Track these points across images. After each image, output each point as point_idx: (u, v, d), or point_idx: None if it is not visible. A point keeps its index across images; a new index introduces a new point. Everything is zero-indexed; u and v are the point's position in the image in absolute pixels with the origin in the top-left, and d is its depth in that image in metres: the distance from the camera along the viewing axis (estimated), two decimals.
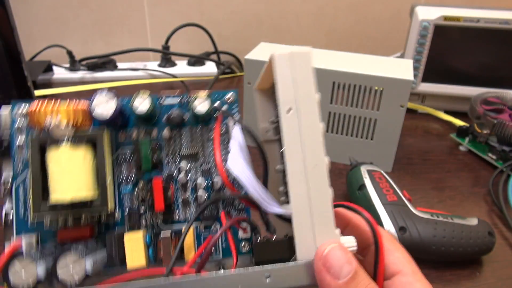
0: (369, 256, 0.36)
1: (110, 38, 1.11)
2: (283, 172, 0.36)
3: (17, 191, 0.33)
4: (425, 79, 0.80)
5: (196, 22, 1.08)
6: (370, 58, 0.70)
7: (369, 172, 0.57)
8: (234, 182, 0.35)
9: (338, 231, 0.29)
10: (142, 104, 0.33)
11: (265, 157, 0.34)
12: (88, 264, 0.28)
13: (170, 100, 0.36)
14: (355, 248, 0.34)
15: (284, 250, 0.31)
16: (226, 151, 0.36)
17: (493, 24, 0.73)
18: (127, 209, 0.34)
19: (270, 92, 0.40)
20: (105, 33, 1.09)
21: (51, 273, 0.27)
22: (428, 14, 0.76)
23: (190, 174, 0.35)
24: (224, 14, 1.14)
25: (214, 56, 1.18)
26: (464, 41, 0.76)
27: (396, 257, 0.30)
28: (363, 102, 0.64)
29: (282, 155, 0.38)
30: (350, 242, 0.34)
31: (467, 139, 0.75)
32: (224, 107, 0.37)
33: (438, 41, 0.77)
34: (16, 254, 0.29)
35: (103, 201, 0.31)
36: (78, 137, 0.31)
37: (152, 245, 0.33)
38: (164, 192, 0.33)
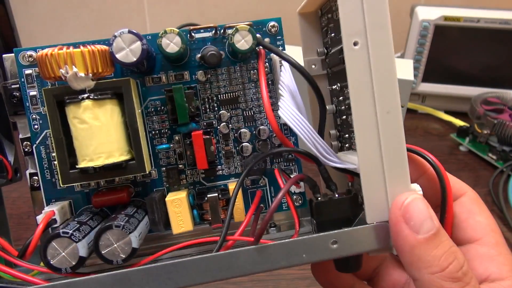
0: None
1: (110, 38, 1.06)
2: (337, 114, 0.31)
3: (39, 152, 0.28)
4: (425, 79, 0.79)
5: (196, 22, 1.02)
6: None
7: None
8: (284, 129, 0.30)
9: (416, 186, 0.24)
10: (171, 43, 0.26)
11: (323, 100, 0.29)
12: (134, 240, 0.23)
13: (202, 35, 0.29)
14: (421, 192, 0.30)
15: (347, 208, 0.27)
16: (272, 94, 0.30)
17: (493, 24, 0.71)
18: (164, 167, 0.29)
19: (315, 16, 0.33)
20: (105, 33, 0.99)
21: (95, 251, 0.23)
22: (428, 14, 0.74)
23: (231, 123, 0.30)
24: (224, 14, 1.08)
25: None
26: (464, 41, 0.75)
27: (477, 222, 0.26)
28: None
29: (333, 94, 0.33)
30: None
31: (467, 139, 0.73)
32: (267, 40, 0.32)
33: (438, 41, 0.75)
34: (50, 225, 0.25)
35: (140, 162, 0.26)
36: (101, 89, 0.25)
37: (196, 205, 0.29)
38: (206, 147, 0.27)
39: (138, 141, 0.26)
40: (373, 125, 0.24)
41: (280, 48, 0.30)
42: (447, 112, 0.82)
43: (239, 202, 0.29)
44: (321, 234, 0.24)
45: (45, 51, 0.24)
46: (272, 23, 0.29)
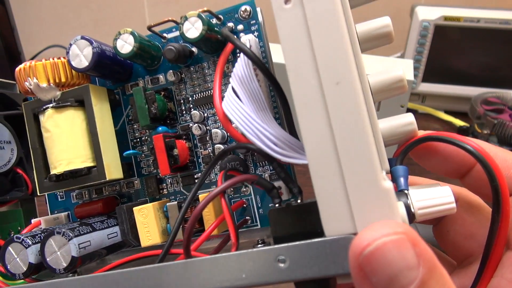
0: (467, 213, 0.23)
1: (110, 38, 1.07)
2: None
3: None
4: (425, 79, 0.77)
5: None
6: (370, 58, 0.64)
7: None
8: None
9: (388, 184, 0.16)
10: (125, 44, 0.24)
11: (280, 90, 0.23)
12: (73, 248, 0.22)
13: (174, 34, 0.26)
14: (452, 206, 0.21)
15: (312, 218, 0.21)
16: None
17: (493, 24, 0.70)
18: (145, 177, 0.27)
19: None
20: (105, 33, 1.00)
21: (42, 258, 0.22)
22: (428, 14, 0.73)
23: (208, 124, 0.26)
24: None
25: None
26: (464, 41, 0.74)
27: None
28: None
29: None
30: (437, 198, 0.21)
31: None
32: (240, 27, 0.28)
33: (438, 41, 0.74)
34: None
35: (99, 168, 0.24)
36: (65, 98, 0.24)
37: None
38: (167, 151, 0.24)
39: (98, 147, 0.24)
40: (318, 102, 0.18)
41: (256, 33, 0.26)
42: (447, 112, 0.79)
43: (210, 212, 0.25)
44: (263, 248, 0.19)
45: (18, 67, 0.27)
46: (243, 8, 0.25)
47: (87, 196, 0.28)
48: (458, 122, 0.76)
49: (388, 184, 0.17)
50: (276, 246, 0.18)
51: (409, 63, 0.62)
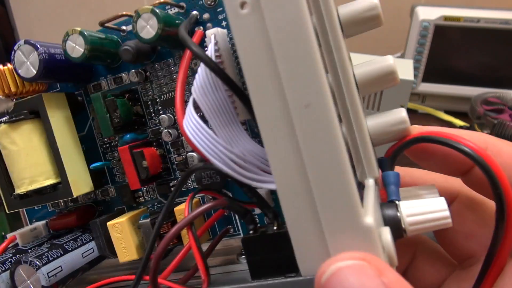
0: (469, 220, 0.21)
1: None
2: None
3: None
4: (426, 79, 0.77)
5: None
6: (370, 58, 0.55)
7: None
8: None
9: (369, 220, 0.15)
10: (76, 46, 0.21)
11: (245, 97, 0.20)
12: (42, 278, 0.20)
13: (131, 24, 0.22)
14: (447, 221, 0.19)
15: (289, 248, 0.19)
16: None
17: (493, 24, 0.71)
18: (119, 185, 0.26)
19: None
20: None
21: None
22: (428, 14, 0.73)
23: (178, 128, 0.24)
24: None
25: None
26: (465, 41, 0.74)
27: None
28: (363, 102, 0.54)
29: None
30: (430, 212, 0.19)
31: None
32: (206, 16, 0.24)
33: (438, 41, 0.74)
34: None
35: (65, 186, 0.22)
36: (18, 110, 0.22)
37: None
38: (136, 163, 0.22)
39: (60, 162, 0.22)
40: (284, 128, 0.15)
41: (224, 23, 0.22)
42: (447, 112, 0.78)
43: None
44: (238, 286, 0.17)
45: None
46: None
47: (63, 204, 0.27)
48: (458, 122, 0.74)
49: (369, 220, 0.15)
50: (250, 284, 0.16)
51: (409, 63, 0.60)
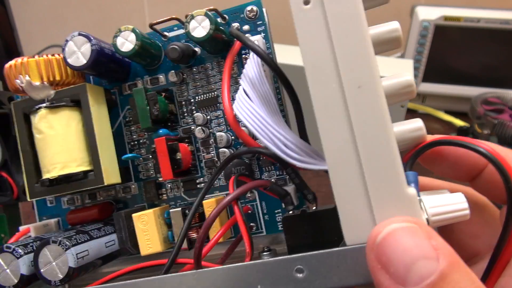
0: (487, 221, 0.23)
1: (110, 38, 1.04)
2: None
3: None
4: (426, 79, 0.77)
5: None
6: (384, 59, 0.64)
7: None
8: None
9: (412, 190, 0.16)
10: (126, 42, 0.23)
11: (293, 92, 0.23)
12: (70, 258, 0.20)
13: (176, 33, 0.25)
14: (466, 212, 0.21)
15: (328, 225, 0.20)
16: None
17: (493, 24, 0.70)
18: (143, 181, 0.26)
19: None
20: (105, 33, 1.04)
21: (35, 270, 0.21)
22: (429, 14, 0.73)
23: (211, 127, 0.25)
24: None
25: None
26: (464, 41, 0.73)
27: None
28: None
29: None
30: (450, 204, 0.21)
31: None
32: (246, 27, 0.27)
33: (438, 41, 0.74)
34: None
35: (97, 173, 0.23)
36: (60, 98, 0.23)
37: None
38: (171, 155, 0.23)
39: (96, 150, 0.23)
40: (339, 106, 0.17)
41: (262, 34, 0.25)
42: (447, 112, 0.79)
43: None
44: (280, 257, 0.18)
45: (8, 64, 0.25)
46: (249, 8, 0.24)
47: (79, 201, 0.27)
48: (458, 122, 0.75)
49: (412, 191, 0.17)
50: (294, 255, 0.17)
51: (409, 63, 0.62)
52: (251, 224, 0.24)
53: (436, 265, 0.14)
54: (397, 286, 0.14)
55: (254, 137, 0.21)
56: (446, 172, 0.23)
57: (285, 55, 0.41)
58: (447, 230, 0.23)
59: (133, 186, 0.26)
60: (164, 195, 0.26)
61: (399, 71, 0.62)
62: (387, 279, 0.14)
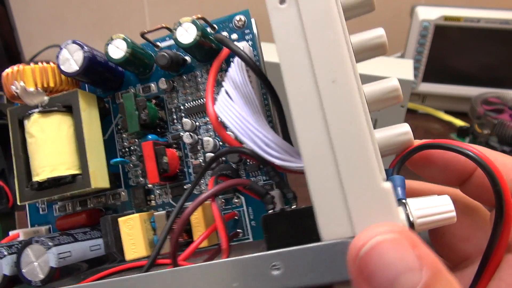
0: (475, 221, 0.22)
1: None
2: None
3: None
4: (426, 79, 0.77)
5: None
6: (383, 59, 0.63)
7: None
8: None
9: (387, 185, 0.16)
10: (118, 49, 0.23)
11: (273, 92, 0.23)
12: (52, 258, 0.20)
13: (168, 43, 0.26)
14: (452, 214, 0.21)
15: (308, 224, 0.20)
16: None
17: (493, 24, 0.70)
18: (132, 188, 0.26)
19: None
20: (105, 33, 0.99)
21: (17, 270, 0.21)
22: (429, 14, 0.73)
23: (199, 133, 0.25)
24: (225, 14, 1.03)
25: None
26: (465, 41, 0.74)
27: None
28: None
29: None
30: (436, 206, 0.20)
31: (467, 139, 0.70)
32: (234, 36, 0.28)
33: (438, 41, 0.74)
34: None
35: (85, 175, 0.23)
36: (50, 103, 0.24)
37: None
38: (157, 158, 0.23)
39: (84, 153, 0.23)
40: (313, 101, 0.17)
41: (249, 42, 0.26)
42: (447, 112, 0.79)
43: (199, 223, 0.24)
44: (256, 254, 0.18)
45: (5, 72, 0.26)
46: (237, 17, 0.25)
47: (70, 208, 0.27)
48: (458, 122, 0.75)
49: (387, 185, 0.16)
50: (271, 252, 0.17)
51: (409, 63, 0.62)
52: (238, 230, 0.24)
53: (419, 277, 0.14)
54: None
55: (239, 141, 0.21)
56: (436, 176, 0.22)
57: (274, 53, 0.41)
58: (438, 234, 0.22)
59: (122, 193, 0.26)
60: (152, 201, 0.26)
61: (399, 71, 0.60)
62: None
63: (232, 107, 0.19)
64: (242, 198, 0.24)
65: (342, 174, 0.16)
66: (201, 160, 0.25)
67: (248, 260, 0.17)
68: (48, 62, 0.24)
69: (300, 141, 0.17)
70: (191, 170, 0.25)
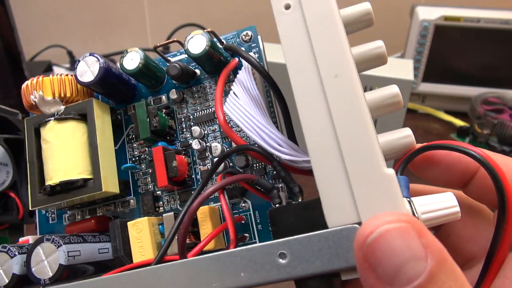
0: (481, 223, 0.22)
1: (110, 38, 1.01)
2: None
3: None
4: (425, 79, 0.78)
5: (196, 22, 0.94)
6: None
7: None
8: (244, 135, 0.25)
9: (390, 171, 0.16)
10: (131, 60, 0.25)
11: (279, 93, 0.24)
12: (61, 256, 0.21)
13: (179, 57, 0.27)
14: (456, 209, 0.21)
15: (314, 216, 0.20)
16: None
17: (493, 24, 0.70)
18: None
19: None
20: (105, 33, 0.99)
21: (27, 269, 0.21)
22: (429, 14, 0.73)
23: (208, 140, 0.26)
24: (224, 14, 1.00)
25: None
26: (464, 41, 0.74)
27: None
28: None
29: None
30: (440, 202, 0.21)
31: (467, 139, 0.70)
32: (242, 49, 0.29)
33: (438, 41, 0.74)
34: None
35: (96, 179, 0.24)
36: (66, 111, 0.25)
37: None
38: (167, 163, 0.24)
39: (97, 158, 0.24)
40: (317, 94, 0.18)
41: (256, 55, 0.27)
42: (447, 112, 0.79)
43: (207, 225, 0.24)
44: (263, 243, 0.18)
45: (24, 83, 0.27)
46: (244, 33, 0.27)
47: (79, 217, 0.28)
48: (458, 122, 0.75)
49: (390, 171, 0.17)
50: (278, 240, 0.17)
51: (409, 63, 0.62)
52: (245, 234, 0.24)
53: (424, 266, 0.14)
54: (384, 285, 0.14)
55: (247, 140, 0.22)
56: (438, 178, 0.23)
57: (278, 53, 0.42)
58: (443, 235, 0.22)
59: (131, 200, 0.27)
60: (161, 208, 0.26)
61: (399, 71, 0.60)
62: (374, 278, 0.14)
63: (240, 105, 0.20)
64: (249, 202, 0.25)
65: (347, 162, 0.17)
66: (209, 167, 0.26)
67: (256, 249, 0.17)
68: (66, 75, 0.26)
69: (305, 131, 0.18)
70: (199, 176, 0.26)
